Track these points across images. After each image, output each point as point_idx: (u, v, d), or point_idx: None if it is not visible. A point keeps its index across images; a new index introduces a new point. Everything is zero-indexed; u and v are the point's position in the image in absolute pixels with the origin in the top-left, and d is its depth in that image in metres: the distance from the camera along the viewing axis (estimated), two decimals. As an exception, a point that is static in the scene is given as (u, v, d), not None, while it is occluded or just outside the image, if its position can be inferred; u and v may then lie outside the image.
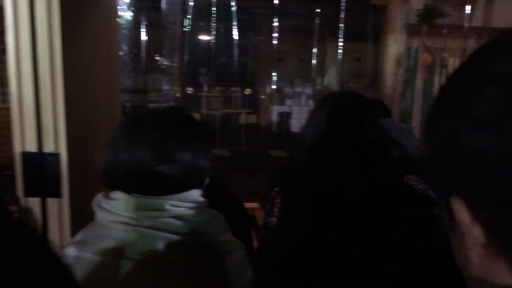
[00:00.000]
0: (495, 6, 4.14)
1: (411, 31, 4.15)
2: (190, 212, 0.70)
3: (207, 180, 0.76)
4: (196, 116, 6.26)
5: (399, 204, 0.85)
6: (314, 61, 5.80)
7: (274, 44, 5.31)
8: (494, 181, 0.35)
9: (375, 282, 0.80)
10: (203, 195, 0.73)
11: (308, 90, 6.08)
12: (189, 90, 6.39)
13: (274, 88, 6.03)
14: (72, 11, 1.10)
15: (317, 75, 6.12)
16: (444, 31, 3.95)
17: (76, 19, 1.14)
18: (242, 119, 6.06)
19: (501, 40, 0.42)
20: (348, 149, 0.87)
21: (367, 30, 5.08)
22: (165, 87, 5.81)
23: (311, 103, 6.09)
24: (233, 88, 6.42)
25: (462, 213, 0.39)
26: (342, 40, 5.11)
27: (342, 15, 4.77)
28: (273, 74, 5.78)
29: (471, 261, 0.40)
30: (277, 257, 0.87)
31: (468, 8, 3.97)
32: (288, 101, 6.17)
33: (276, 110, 6.11)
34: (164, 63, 5.43)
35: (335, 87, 5.83)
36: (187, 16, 4.84)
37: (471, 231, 0.39)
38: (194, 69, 6.03)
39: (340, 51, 5.28)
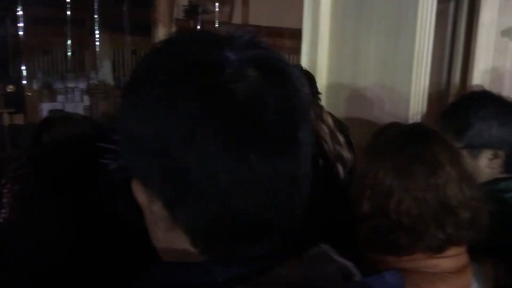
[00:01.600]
0: (250, 6, 4.68)
1: (180, 25, 4.34)
2: None
3: None
4: None
5: None
6: (89, 55, 5.50)
7: (36, 35, 4.83)
8: (158, 163, 0.42)
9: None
10: None
11: (82, 85, 5.74)
12: None
13: (41, 84, 5.49)
14: None
15: (90, 69, 5.82)
16: (198, 26, 4.28)
17: None
18: (5, 120, 5.36)
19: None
20: None
21: (142, 24, 5.11)
22: None
23: (86, 98, 5.77)
24: (-8, 86, 5.59)
25: (141, 194, 0.45)
26: (98, 31, 5.00)
27: (95, 6, 4.66)
28: (41, 68, 5.27)
29: (157, 235, 0.47)
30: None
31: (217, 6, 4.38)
32: (60, 97, 5.71)
33: (46, 107, 5.58)
34: None
35: (110, 80, 5.66)
36: None
37: (152, 209, 0.45)
38: None
39: (97, 43, 5.13)
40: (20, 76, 5.72)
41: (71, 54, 5.78)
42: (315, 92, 1.41)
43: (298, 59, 1.89)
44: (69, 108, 5.65)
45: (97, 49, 5.25)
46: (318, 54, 1.80)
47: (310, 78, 1.47)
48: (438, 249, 0.83)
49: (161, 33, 4.25)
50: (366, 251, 0.88)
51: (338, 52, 1.79)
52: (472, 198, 0.84)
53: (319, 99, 1.43)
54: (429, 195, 0.82)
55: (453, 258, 0.84)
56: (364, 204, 0.86)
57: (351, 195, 0.93)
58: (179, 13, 4.42)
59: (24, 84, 5.58)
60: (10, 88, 5.70)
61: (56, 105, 5.63)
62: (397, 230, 0.82)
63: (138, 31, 5.41)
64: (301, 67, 1.58)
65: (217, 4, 4.19)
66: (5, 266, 0.80)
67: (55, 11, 5.31)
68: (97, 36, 5.02)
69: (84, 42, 5.73)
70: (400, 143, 0.90)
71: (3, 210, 0.83)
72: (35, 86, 5.50)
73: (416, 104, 1.53)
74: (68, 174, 0.87)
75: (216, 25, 4.39)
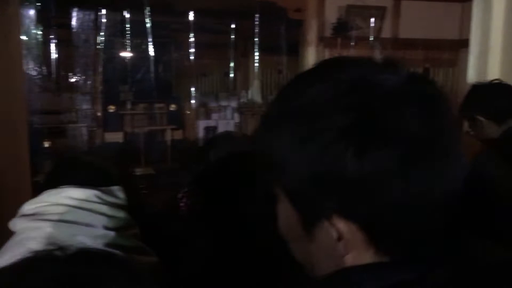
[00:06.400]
0: (402, 18, 4.48)
1: (327, 43, 4.35)
2: None
3: None
4: (119, 135, 6.08)
5: None
6: (239, 75, 5.88)
7: (197, 59, 5.32)
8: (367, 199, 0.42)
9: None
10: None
11: (233, 104, 6.14)
12: (111, 108, 6.18)
13: (198, 103, 6.01)
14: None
15: (241, 88, 6.20)
16: (352, 43, 4.19)
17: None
18: (168, 135, 5.97)
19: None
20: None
21: (287, 44, 5.26)
22: (85, 106, 5.57)
23: (236, 116, 6.15)
24: (157, 105, 6.31)
25: (341, 226, 0.46)
26: (261, 53, 5.25)
27: (261, 30, 4.90)
28: (193, 89, 5.78)
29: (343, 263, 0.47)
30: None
31: (372, 21, 4.26)
32: (214, 115, 6.18)
33: (202, 124, 6.09)
34: (80, 81, 5.20)
35: (258, 99, 5.94)
36: (100, 33, 4.69)
37: (353, 237, 0.46)
38: (114, 86, 5.85)
39: (259, 64, 5.42)
40: (181, 97, 6.35)
41: (225, 75, 6.23)
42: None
43: (455, 72, 1.72)
44: (222, 124, 6.08)
45: (256, 70, 5.58)
46: (489, 67, 1.61)
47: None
48: None
49: (309, 52, 4.31)
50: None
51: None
52: None
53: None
54: None
55: None
56: None
57: None
58: (325, 31, 4.44)
59: (184, 103, 6.17)
60: (173, 107, 6.36)
61: (211, 122, 6.11)
62: None
63: (285, 51, 5.57)
64: (499, 82, 1.48)
65: (372, 19, 4.09)
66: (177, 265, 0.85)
67: (213, 37, 5.78)
68: (256, 57, 5.33)
69: (236, 63, 6.11)
70: None
71: (181, 219, 0.89)
72: (193, 105, 6.04)
73: None
74: (231, 189, 0.90)
75: (371, 39, 4.29)
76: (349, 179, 0.42)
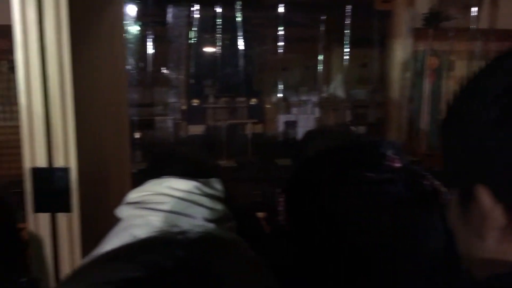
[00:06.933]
0: (500, 8, 4.13)
1: (417, 35, 4.14)
2: None
3: None
4: (201, 128, 6.29)
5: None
6: (319, 69, 5.80)
7: (279, 53, 5.33)
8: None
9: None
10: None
11: (314, 98, 6.07)
12: (195, 102, 6.41)
13: (279, 97, 6.03)
14: (80, 28, 1.10)
15: (322, 83, 6.12)
16: (451, 34, 3.94)
17: (84, 35, 1.15)
18: (248, 129, 6.06)
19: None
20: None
21: (373, 36, 5.09)
22: (172, 100, 5.84)
23: (317, 110, 6.08)
24: (239, 99, 6.43)
25: (485, 199, 0.47)
26: (348, 46, 5.13)
27: (347, 21, 4.79)
28: (279, 83, 5.80)
29: (487, 243, 0.48)
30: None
31: (474, 10, 3.96)
32: (294, 110, 6.17)
33: (282, 119, 6.10)
34: (171, 76, 5.47)
35: (341, 93, 5.82)
36: (192, 29, 4.87)
37: (492, 214, 0.47)
38: (199, 81, 6.06)
39: (346, 57, 5.31)
40: (261, 91, 6.42)
41: (306, 69, 6.18)
42: None
43: None
44: (302, 119, 6.05)
45: (345, 62, 5.52)
46: None
47: None
48: None
49: (397, 44, 4.13)
50: None
51: None
52: None
53: None
54: None
55: None
56: None
57: None
58: (415, 22, 4.22)
59: (265, 97, 6.23)
60: (253, 101, 6.45)
61: (291, 117, 6.10)
62: None
63: (368, 44, 5.40)
64: None
65: (473, 9, 3.83)
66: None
67: (295, 31, 5.76)
68: (346, 50, 5.25)
69: (316, 57, 6.03)
70: None
71: (279, 217, 0.89)
72: (274, 99, 6.07)
73: None
74: (331, 185, 0.88)
75: (471, 29, 4.02)
76: None
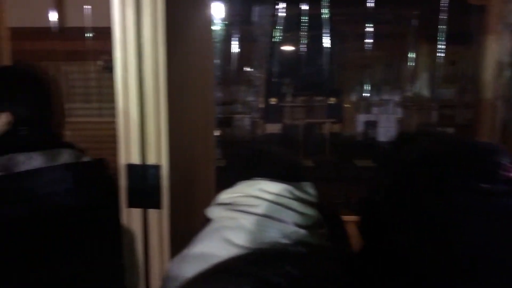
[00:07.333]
0: None
1: (514, 30, 3.80)
2: None
3: None
4: (279, 126, 6.30)
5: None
6: (404, 67, 5.55)
7: (362, 50, 5.18)
8: None
9: None
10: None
11: (397, 97, 5.83)
12: (273, 100, 6.44)
13: (360, 96, 5.87)
14: (174, 28, 1.12)
15: (406, 81, 5.85)
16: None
17: (177, 35, 1.17)
18: (326, 128, 5.97)
19: None
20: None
21: (463, 32, 4.76)
22: (250, 98, 5.91)
23: (399, 110, 5.83)
24: (317, 98, 6.36)
25: None
26: (441, 43, 4.85)
27: (442, 16, 4.53)
28: (359, 81, 5.65)
29: None
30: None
31: None
32: (375, 109, 5.97)
33: (361, 118, 5.94)
34: (253, 74, 5.55)
35: (426, 92, 5.53)
36: (277, 27, 4.88)
37: None
38: (278, 79, 6.07)
39: (437, 54, 5.01)
40: (340, 90, 6.28)
41: (388, 67, 5.95)
42: None
43: None
44: (382, 119, 5.83)
45: (434, 60, 5.22)
46: None
47: None
48: None
49: (491, 41, 3.82)
50: None
51: None
52: None
53: None
54: None
55: None
56: None
57: None
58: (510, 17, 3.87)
59: (344, 96, 6.09)
60: (332, 100, 6.33)
61: (371, 117, 5.91)
62: None
63: (456, 41, 5.06)
64: None
65: None
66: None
67: (379, 27, 5.55)
68: (442, 46, 4.96)
69: (402, 54, 5.78)
70: None
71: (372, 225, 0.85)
72: (353, 98, 5.92)
73: None
74: (436, 194, 0.81)
75: None
76: None
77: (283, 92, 6.21)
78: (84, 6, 2.98)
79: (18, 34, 2.76)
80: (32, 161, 1.00)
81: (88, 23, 3.03)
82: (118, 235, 1.14)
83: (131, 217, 1.15)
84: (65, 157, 1.08)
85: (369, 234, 0.94)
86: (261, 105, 6.28)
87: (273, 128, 6.31)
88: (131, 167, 1.12)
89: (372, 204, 0.88)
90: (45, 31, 3.02)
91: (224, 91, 5.40)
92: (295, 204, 0.85)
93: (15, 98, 1.06)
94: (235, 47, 4.98)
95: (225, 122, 5.42)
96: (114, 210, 1.12)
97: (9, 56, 2.23)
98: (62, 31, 3.11)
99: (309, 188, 0.90)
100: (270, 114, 6.30)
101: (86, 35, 3.04)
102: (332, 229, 0.97)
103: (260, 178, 0.88)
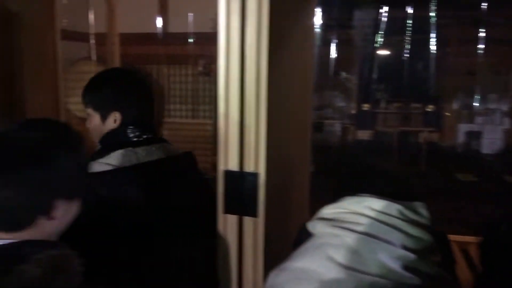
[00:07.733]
0: None
1: None
2: None
3: None
4: (370, 133, 6.08)
5: None
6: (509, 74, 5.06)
7: (469, 55, 4.81)
8: None
9: None
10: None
11: (504, 107, 5.34)
12: (365, 106, 6.25)
13: (461, 105, 5.46)
14: (277, 34, 1.10)
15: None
16: None
17: (279, 41, 1.14)
18: (423, 137, 5.64)
19: None
20: None
21: None
22: (341, 103, 5.79)
23: (506, 121, 5.34)
24: (413, 105, 6.04)
25: None
26: None
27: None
28: (463, 89, 5.25)
29: None
30: None
31: None
32: (479, 119, 5.51)
33: (463, 128, 5.52)
34: (348, 80, 5.42)
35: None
36: (379, 32, 4.71)
37: None
38: (373, 85, 5.87)
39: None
40: (440, 97, 5.90)
41: (498, 74, 5.47)
42: None
43: None
44: (488, 130, 5.37)
45: None
46: None
47: None
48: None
49: None
50: None
51: None
52: None
53: None
54: None
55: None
56: None
57: None
58: None
59: (444, 104, 5.71)
60: (430, 107, 5.97)
61: (474, 127, 5.47)
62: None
63: None
64: None
65: None
66: None
67: (494, 31, 5.10)
68: None
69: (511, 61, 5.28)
70: None
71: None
72: (454, 106, 5.53)
73: None
74: None
75: None
76: None
77: (377, 98, 5.99)
78: (188, 14, 3.11)
79: (127, 39, 2.96)
80: (153, 153, 1.09)
81: (189, 28, 3.16)
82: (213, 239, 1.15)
83: (227, 224, 1.15)
84: (170, 150, 1.14)
85: (491, 260, 0.84)
86: (353, 111, 6.11)
87: (364, 134, 6.12)
88: (229, 174, 1.12)
89: (498, 230, 0.78)
90: (151, 37, 3.19)
91: (317, 95, 5.34)
92: (405, 225, 0.78)
93: (124, 99, 1.11)
94: (332, 51, 4.89)
95: (315, 127, 5.36)
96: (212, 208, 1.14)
97: (119, 60, 2.37)
98: (166, 36, 3.27)
99: (421, 208, 0.82)
100: (362, 120, 6.11)
101: (188, 40, 3.18)
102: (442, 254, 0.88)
103: (367, 194, 0.82)
